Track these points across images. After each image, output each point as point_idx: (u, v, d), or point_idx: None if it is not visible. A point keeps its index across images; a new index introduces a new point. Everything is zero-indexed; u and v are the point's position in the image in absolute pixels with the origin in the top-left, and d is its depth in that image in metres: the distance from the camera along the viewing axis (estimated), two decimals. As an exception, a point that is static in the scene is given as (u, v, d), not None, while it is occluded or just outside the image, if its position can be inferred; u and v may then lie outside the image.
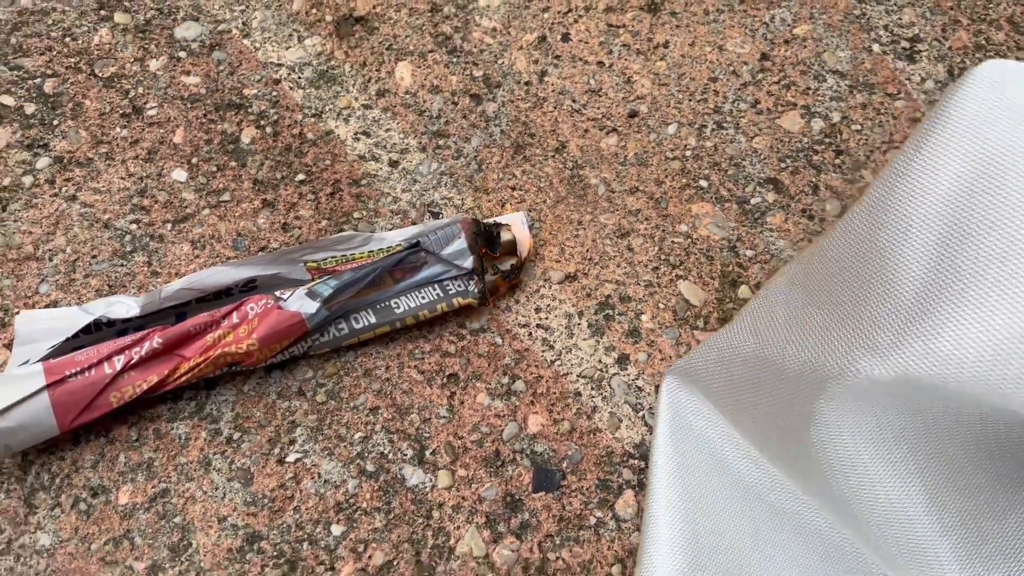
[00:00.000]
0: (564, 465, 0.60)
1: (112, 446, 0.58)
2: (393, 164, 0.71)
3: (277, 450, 0.59)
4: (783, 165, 0.73)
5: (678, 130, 0.75)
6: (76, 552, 0.55)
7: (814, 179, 0.72)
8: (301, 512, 0.57)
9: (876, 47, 0.80)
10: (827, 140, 0.74)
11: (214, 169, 0.69)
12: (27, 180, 0.67)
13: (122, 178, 0.68)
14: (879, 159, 0.74)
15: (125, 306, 0.58)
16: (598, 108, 0.76)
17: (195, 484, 0.57)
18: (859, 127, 0.75)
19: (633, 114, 0.75)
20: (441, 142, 0.72)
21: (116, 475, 0.57)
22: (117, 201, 0.67)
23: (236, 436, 0.59)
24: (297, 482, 0.58)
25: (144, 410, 0.59)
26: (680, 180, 0.72)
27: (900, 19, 0.82)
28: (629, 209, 0.70)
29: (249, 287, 0.61)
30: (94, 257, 0.64)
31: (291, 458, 0.58)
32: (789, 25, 0.81)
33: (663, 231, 0.70)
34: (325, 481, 0.58)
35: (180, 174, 0.69)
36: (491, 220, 0.66)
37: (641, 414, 0.62)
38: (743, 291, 0.67)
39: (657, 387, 0.63)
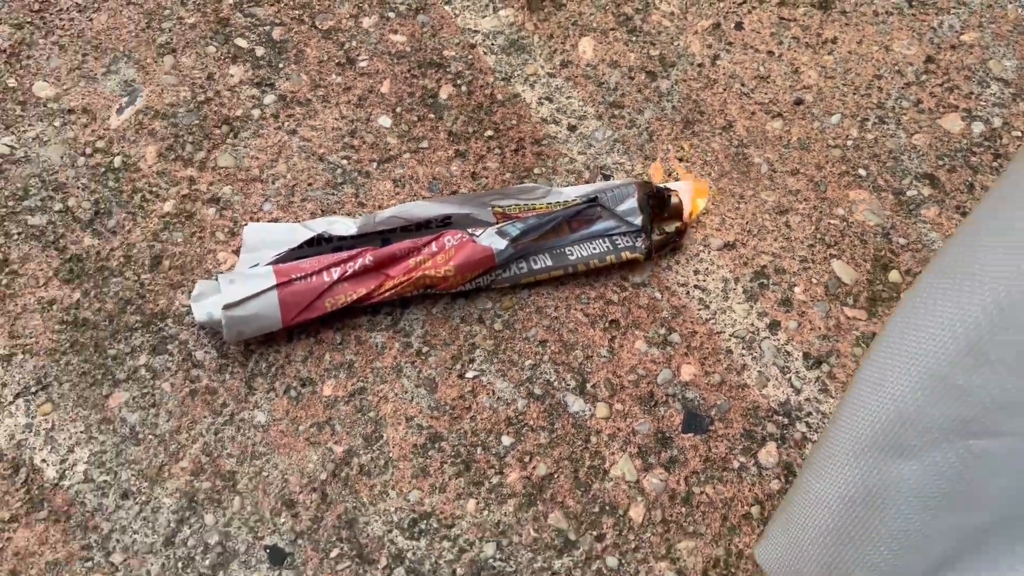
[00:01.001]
0: (712, 412, 0.65)
1: (320, 346, 0.67)
2: (571, 128, 0.78)
3: (459, 366, 0.66)
4: (941, 163, 0.76)
5: (841, 120, 0.79)
6: (286, 431, 0.63)
7: (970, 178, 0.76)
8: (477, 421, 0.64)
9: (1045, 58, 0.82)
10: (986, 143, 0.77)
11: (415, 119, 0.77)
12: (255, 113, 0.77)
13: (336, 119, 0.77)
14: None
15: (344, 225, 0.66)
16: (765, 93, 0.80)
17: (388, 386, 0.65)
18: (1020, 133, 0.78)
19: (799, 102, 0.80)
20: (616, 112, 0.79)
21: (322, 371, 0.66)
22: (331, 138, 0.76)
23: (424, 350, 0.67)
24: (474, 395, 0.65)
25: (348, 319, 0.67)
26: (840, 167, 0.76)
27: (1072, 33, 0.83)
28: (789, 189, 0.75)
29: (445, 223, 0.69)
30: (310, 185, 0.73)
31: (470, 374, 0.66)
32: (957, 31, 0.84)
33: (820, 212, 0.74)
34: (498, 398, 0.65)
35: (385, 120, 0.77)
36: (662, 184, 0.72)
37: (788, 376, 0.67)
38: (893, 275, 0.71)
39: (805, 353, 0.68)
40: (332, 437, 0.63)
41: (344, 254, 0.66)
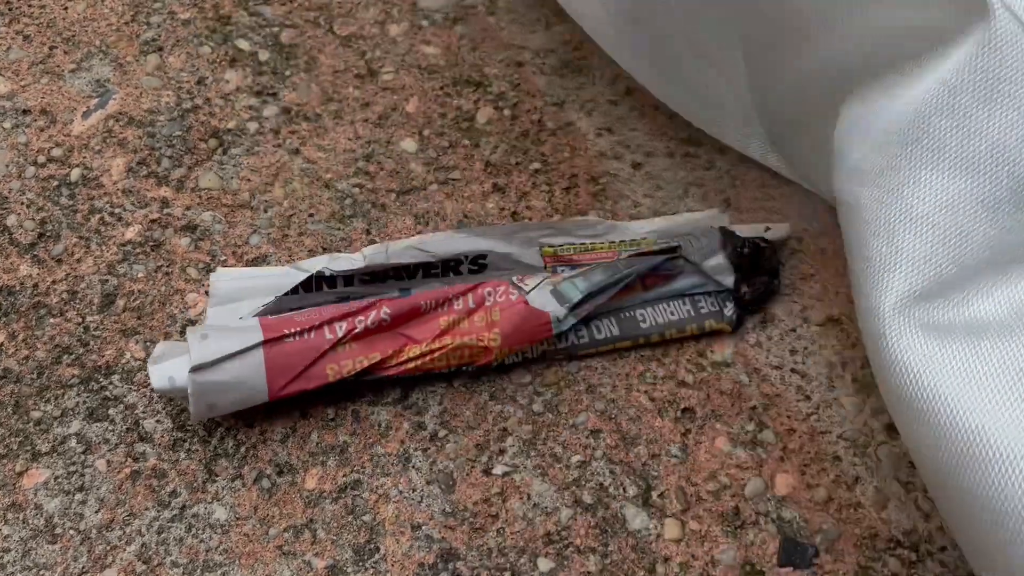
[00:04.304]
0: (817, 540, 0.49)
1: (305, 422, 0.51)
2: (636, 166, 0.63)
3: (485, 458, 0.51)
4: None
5: (964, 176, 0.64)
6: (253, 534, 0.48)
7: None
8: (505, 535, 0.48)
9: None
10: None
11: (446, 144, 0.63)
12: (252, 126, 0.63)
13: (349, 139, 0.63)
14: None
15: (349, 260, 0.52)
16: (872, 139, 0.66)
17: (391, 480, 0.49)
18: None
19: (912, 151, 0.66)
20: (692, 150, 0.64)
21: (306, 455, 0.50)
22: (341, 162, 0.62)
23: (441, 434, 0.51)
24: (504, 499, 0.49)
25: (345, 389, 0.52)
26: (966, 231, 0.62)
27: None
28: (905, 254, 0.60)
29: (478, 263, 0.54)
30: (311, 215, 0.59)
31: (499, 470, 0.50)
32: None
33: (945, 285, 0.59)
34: (535, 504, 0.49)
35: (410, 144, 0.63)
36: (751, 234, 0.57)
37: (914, 495, 0.51)
38: (1046, 370, 0.55)
39: (934, 466, 0.52)
40: (313, 547, 0.47)
41: (352, 305, 0.51)
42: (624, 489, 0.50)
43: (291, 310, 0.51)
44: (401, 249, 0.53)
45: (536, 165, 0.63)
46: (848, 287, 0.58)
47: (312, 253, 0.57)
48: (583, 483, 0.50)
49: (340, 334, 0.49)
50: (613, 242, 0.57)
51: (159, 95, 0.64)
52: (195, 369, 0.47)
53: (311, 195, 0.60)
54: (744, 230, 0.57)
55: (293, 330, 0.49)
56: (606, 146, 0.64)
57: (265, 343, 0.48)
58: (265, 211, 0.59)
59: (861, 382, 0.55)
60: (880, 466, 0.52)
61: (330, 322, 0.50)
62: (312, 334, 0.49)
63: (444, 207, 0.60)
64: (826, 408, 0.54)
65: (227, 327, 0.49)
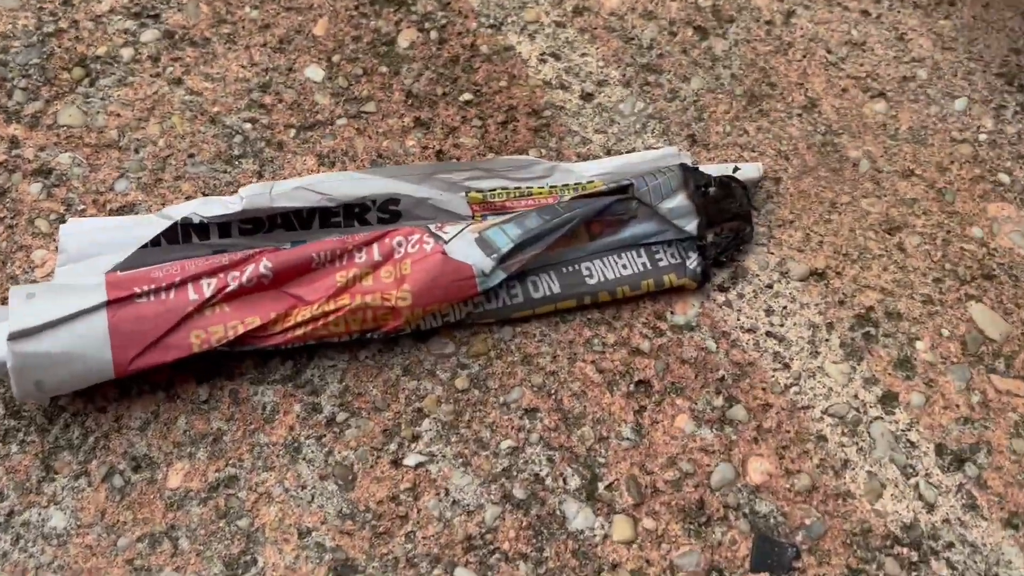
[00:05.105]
0: (799, 538, 0.40)
1: (171, 405, 0.41)
2: (586, 97, 0.54)
3: (394, 446, 0.41)
4: (1119, 169, 0.53)
5: (968, 107, 0.55)
6: (98, 545, 0.38)
7: None
8: (416, 541, 0.39)
9: None
10: None
11: (359, 72, 0.53)
12: (126, 53, 0.53)
13: (243, 67, 0.53)
14: None
15: (223, 203, 0.42)
16: (861, 64, 0.57)
17: (275, 476, 0.40)
18: None
19: (908, 78, 0.56)
20: (652, 78, 0.55)
21: (170, 445, 0.41)
22: (232, 93, 0.52)
23: (341, 417, 0.42)
24: (416, 496, 0.40)
25: (224, 362, 0.42)
26: (971, 170, 0.52)
27: None
28: (901, 197, 0.51)
29: (390, 210, 0.44)
30: (192, 156, 0.49)
31: (411, 460, 0.41)
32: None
33: (948, 232, 0.50)
34: (455, 502, 0.40)
35: (316, 72, 0.53)
36: (719, 172, 0.47)
37: (914, 481, 0.42)
38: (1069, 329, 0.47)
39: (938, 445, 0.43)
40: (173, 559, 0.38)
41: (224, 257, 0.41)
42: (564, 480, 0.41)
43: (155, 265, 0.41)
44: (289, 190, 0.43)
45: (467, 96, 0.53)
46: (835, 235, 0.49)
47: (191, 200, 0.47)
48: (514, 474, 0.41)
49: (208, 293, 0.40)
50: (555, 186, 0.47)
51: (15, 17, 0.54)
52: (14, 337, 0.37)
53: (193, 132, 0.50)
54: (710, 169, 0.48)
55: (146, 288, 0.39)
56: (551, 74, 0.54)
57: (110, 304, 0.38)
58: (136, 151, 0.49)
59: (851, 346, 0.46)
60: (874, 447, 0.43)
61: (195, 278, 0.40)
62: (172, 293, 0.39)
63: (354, 145, 0.50)
64: (808, 378, 0.45)
65: (67, 286, 0.39)
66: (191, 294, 0.40)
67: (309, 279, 0.41)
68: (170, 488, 0.40)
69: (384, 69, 0.53)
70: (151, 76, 0.52)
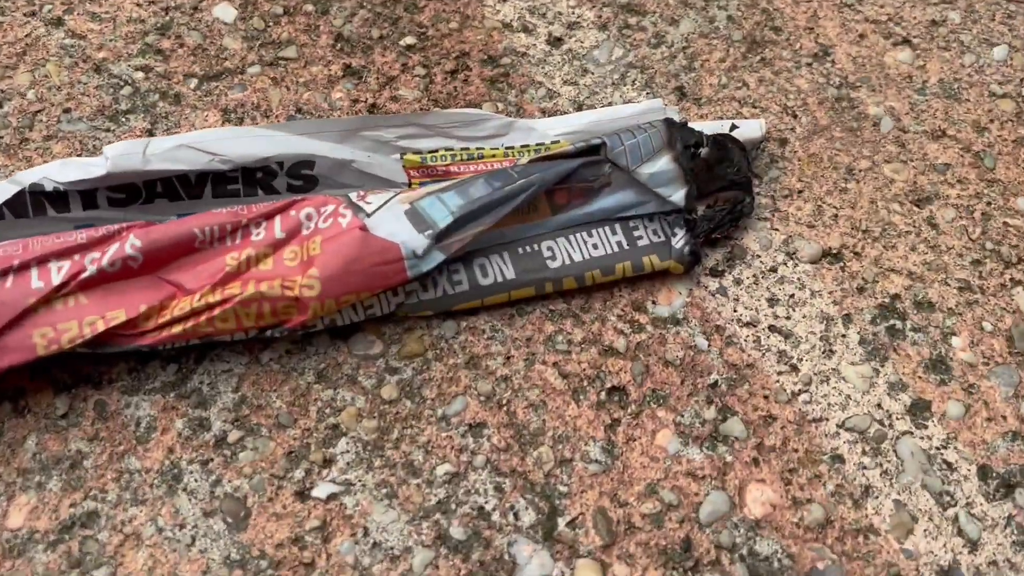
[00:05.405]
0: (810, 587, 0.32)
1: (19, 420, 0.33)
2: (554, 42, 0.45)
3: (300, 473, 0.33)
4: None
5: (1009, 55, 0.47)
6: (-90, 605, 0.30)
7: None
8: (323, 598, 0.31)
9: None
10: None
11: (279, 12, 0.44)
12: (-3, -12, 0.44)
13: (138, 5, 0.44)
14: None
15: (84, 166, 0.33)
16: (881, 6, 0.48)
17: (146, 511, 0.31)
18: None
19: (938, 22, 0.47)
20: (632, 20, 0.46)
21: (13, 473, 0.32)
22: (123, 36, 0.43)
23: (234, 437, 0.33)
24: (325, 537, 0.32)
25: (88, 366, 0.34)
26: (1015, 130, 0.44)
27: None
28: (931, 162, 0.42)
29: (302, 174, 0.36)
30: (67, 111, 0.40)
31: (321, 491, 0.32)
32: None
33: (988, 204, 0.41)
34: (375, 544, 0.32)
35: (226, 11, 0.44)
36: (713, 129, 0.39)
37: (952, 512, 0.34)
38: None
39: (982, 467, 0.35)
40: (8, 624, 0.30)
41: (82, 233, 0.32)
42: (515, 515, 0.33)
43: (-8, 247, 0.33)
44: (170, 148, 0.34)
45: (409, 40, 0.44)
46: (852, 207, 0.40)
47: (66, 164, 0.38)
48: (452, 508, 0.33)
49: (58, 280, 0.31)
50: (511, 147, 0.38)
51: None
52: None
53: (72, 82, 0.41)
54: (702, 127, 0.39)
55: (-26, 276, 0.30)
56: (512, 14, 0.45)
57: (-78, 298, 0.30)
58: (1, 106, 0.40)
59: (872, 344, 0.37)
60: (902, 469, 0.34)
61: (41, 261, 0.31)
62: (8, 280, 0.31)
63: (268, 97, 0.41)
64: (821, 384, 0.36)
65: None
66: (34, 281, 0.31)
67: (191, 262, 0.33)
68: (9, 529, 0.31)
69: (309, 8, 0.44)
70: (24, 16, 0.43)
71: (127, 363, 0.34)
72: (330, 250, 0.32)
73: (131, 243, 0.32)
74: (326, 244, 0.33)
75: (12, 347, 0.31)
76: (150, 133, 0.40)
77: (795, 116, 0.43)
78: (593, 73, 0.44)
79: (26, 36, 0.42)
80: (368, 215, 0.34)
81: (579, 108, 0.43)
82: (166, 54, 0.42)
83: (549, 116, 0.42)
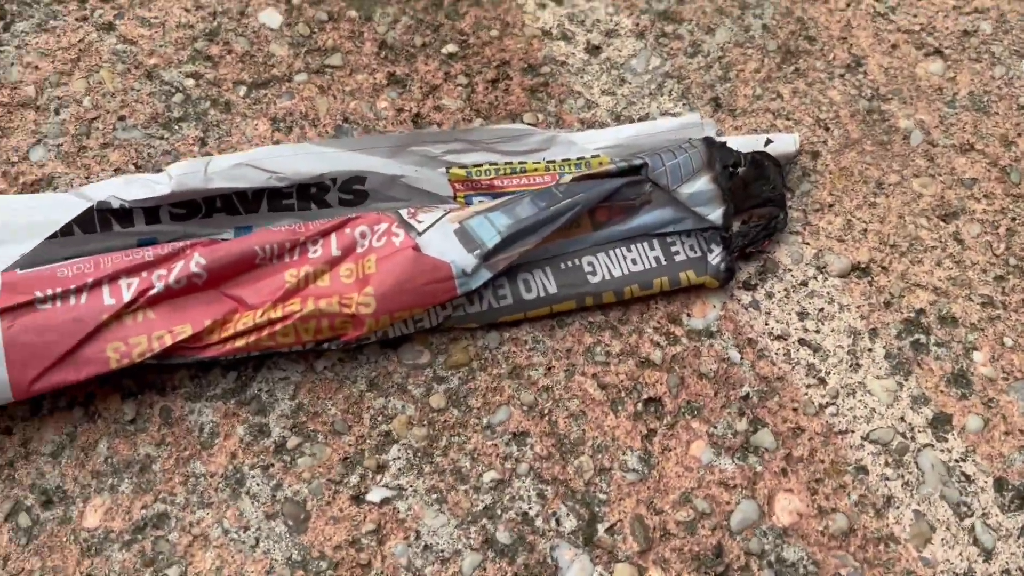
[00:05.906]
0: (833, 592, 0.34)
1: (91, 425, 0.35)
2: (592, 50, 0.46)
3: (355, 478, 0.35)
4: None
5: (1039, 67, 0.47)
6: (-3, 599, 0.32)
7: None
8: (379, 597, 0.33)
9: None
10: None
11: (324, 17, 0.45)
12: (48, -9, 0.45)
13: (186, 10, 0.45)
14: None
15: (149, 183, 0.35)
16: (914, 15, 0.49)
17: (212, 514, 0.34)
18: None
19: (969, 32, 0.48)
20: (670, 29, 0.47)
21: (88, 476, 0.34)
22: (173, 42, 0.44)
23: (292, 444, 0.35)
24: (380, 540, 0.34)
25: (152, 373, 0.36)
26: (1042, 144, 0.45)
27: None
28: (959, 176, 0.44)
29: (354, 190, 0.37)
30: (122, 119, 0.41)
31: (375, 495, 0.34)
32: None
33: (1013, 220, 0.43)
34: (426, 547, 0.34)
35: (272, 16, 0.45)
36: (748, 147, 0.40)
37: (968, 523, 0.36)
38: None
39: (998, 479, 0.37)
40: (88, 618, 0.32)
41: (150, 250, 0.34)
42: (557, 521, 0.35)
43: (63, 261, 0.34)
44: (229, 167, 0.35)
45: (451, 48, 0.45)
46: (881, 222, 0.41)
47: (121, 172, 0.40)
48: (498, 513, 0.35)
49: (128, 297, 0.33)
50: (553, 161, 0.40)
51: (-85, -56, 0.45)
52: None
53: (125, 89, 0.42)
54: (738, 142, 0.40)
55: (51, 291, 0.32)
56: (551, 22, 0.46)
57: (4, 312, 0.31)
58: (57, 112, 0.41)
59: (897, 358, 0.39)
60: (923, 480, 0.36)
61: (112, 278, 0.33)
62: (83, 297, 0.32)
63: (316, 106, 0.42)
64: (847, 396, 0.38)
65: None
66: (107, 298, 0.33)
67: (252, 278, 0.34)
68: (87, 528, 0.33)
69: (353, 13, 0.45)
70: (76, 20, 0.44)
71: (189, 370, 0.36)
72: (385, 269, 0.34)
73: (196, 261, 0.33)
74: (381, 263, 0.34)
75: (87, 360, 0.32)
76: (203, 142, 0.41)
77: (827, 129, 0.44)
78: (631, 83, 0.45)
79: (79, 41, 0.43)
80: (419, 233, 0.35)
81: (617, 118, 0.44)
82: (215, 60, 0.43)
83: (588, 126, 0.43)
